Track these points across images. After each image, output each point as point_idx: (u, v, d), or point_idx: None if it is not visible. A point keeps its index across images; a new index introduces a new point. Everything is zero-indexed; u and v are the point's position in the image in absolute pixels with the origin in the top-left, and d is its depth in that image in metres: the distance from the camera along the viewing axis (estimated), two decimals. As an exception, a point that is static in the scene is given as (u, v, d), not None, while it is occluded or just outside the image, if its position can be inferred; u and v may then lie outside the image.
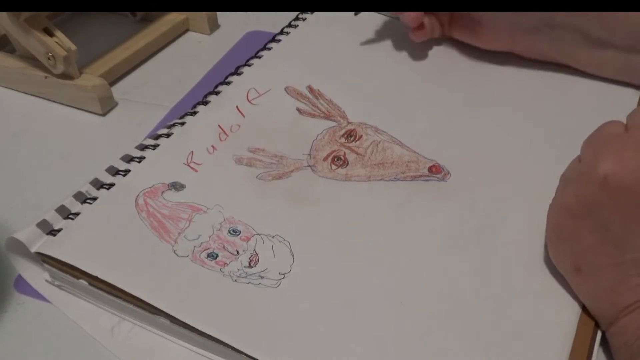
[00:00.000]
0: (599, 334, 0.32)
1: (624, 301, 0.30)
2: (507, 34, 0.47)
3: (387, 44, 0.50)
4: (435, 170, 0.41)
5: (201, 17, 0.57)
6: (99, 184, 0.39)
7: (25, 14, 0.46)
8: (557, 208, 0.33)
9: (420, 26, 0.48)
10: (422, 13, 0.47)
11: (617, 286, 0.30)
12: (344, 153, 0.42)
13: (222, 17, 0.60)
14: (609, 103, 0.46)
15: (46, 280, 0.36)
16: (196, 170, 0.41)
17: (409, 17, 0.47)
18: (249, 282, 0.34)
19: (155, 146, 0.42)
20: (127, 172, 0.40)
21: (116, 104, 0.50)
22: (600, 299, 0.31)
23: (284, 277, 0.34)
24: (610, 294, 0.31)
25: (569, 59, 0.47)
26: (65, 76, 0.49)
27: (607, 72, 0.46)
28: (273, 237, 0.36)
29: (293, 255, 0.35)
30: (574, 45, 0.46)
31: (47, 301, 0.36)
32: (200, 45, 0.57)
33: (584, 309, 0.32)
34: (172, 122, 0.45)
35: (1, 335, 0.34)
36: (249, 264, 0.35)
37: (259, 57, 0.51)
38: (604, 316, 0.31)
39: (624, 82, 0.47)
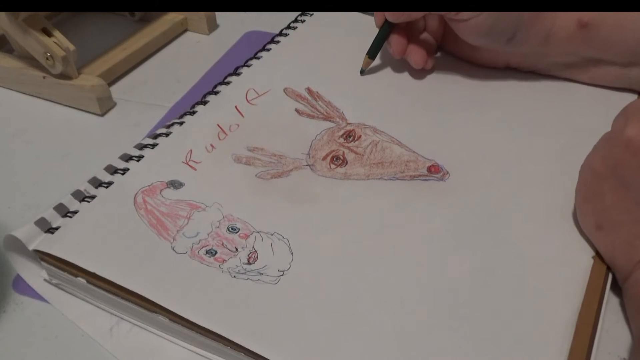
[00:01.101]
0: (598, 332, 0.32)
1: (638, 255, 0.33)
2: (503, 58, 0.48)
3: (386, 46, 0.50)
4: (434, 170, 0.41)
5: (200, 17, 0.57)
6: (97, 183, 0.39)
7: (23, 14, 0.46)
8: (585, 170, 0.36)
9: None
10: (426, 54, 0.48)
11: (634, 240, 0.33)
12: (343, 152, 0.42)
13: (221, 17, 0.60)
14: (607, 104, 0.46)
15: (44, 279, 0.36)
16: (195, 169, 0.41)
17: (417, 61, 0.48)
18: (247, 279, 0.34)
19: (154, 145, 0.42)
20: (125, 170, 0.40)
21: (115, 104, 0.50)
22: (618, 253, 0.34)
23: (283, 274, 0.34)
24: (627, 249, 0.33)
25: (565, 75, 0.48)
26: (63, 76, 0.49)
27: (603, 82, 0.47)
28: (272, 234, 0.36)
29: (292, 253, 0.35)
30: (568, 64, 0.47)
31: (46, 301, 0.36)
32: (199, 45, 0.57)
33: (583, 307, 0.33)
34: (171, 122, 0.45)
35: (0, 335, 0.34)
36: (248, 261, 0.35)
37: (258, 58, 0.51)
38: (621, 270, 0.34)
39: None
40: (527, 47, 0.45)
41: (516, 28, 0.43)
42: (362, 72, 0.50)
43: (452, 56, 0.51)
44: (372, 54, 0.49)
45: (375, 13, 0.48)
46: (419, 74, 0.50)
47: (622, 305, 0.34)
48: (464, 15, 0.42)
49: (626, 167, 0.33)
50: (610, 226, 0.34)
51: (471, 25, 0.43)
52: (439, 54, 0.52)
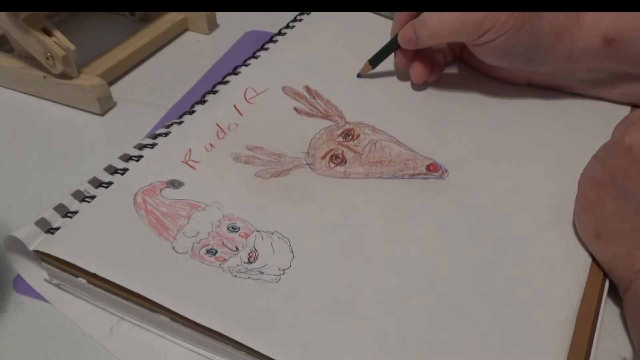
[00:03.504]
0: (597, 330, 0.32)
1: (638, 264, 0.32)
2: (524, 76, 0.47)
3: (384, 44, 0.50)
4: (433, 169, 0.41)
5: (200, 16, 0.57)
6: (97, 183, 0.39)
7: (23, 14, 0.46)
8: (585, 180, 0.36)
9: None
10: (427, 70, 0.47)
11: (634, 250, 0.33)
12: (342, 151, 0.42)
13: (221, 17, 0.60)
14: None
15: (45, 280, 0.36)
16: (194, 168, 0.41)
17: (416, 75, 0.47)
18: (248, 278, 0.34)
19: (153, 145, 0.42)
20: (125, 170, 0.40)
21: (115, 104, 0.50)
22: (618, 263, 0.33)
23: (283, 273, 0.34)
24: (626, 258, 0.33)
25: (590, 92, 0.46)
26: (64, 76, 0.49)
27: (634, 99, 0.45)
28: (272, 233, 0.37)
29: (293, 252, 0.35)
30: (594, 80, 0.45)
31: (46, 301, 0.36)
32: (199, 45, 0.57)
33: (582, 305, 0.33)
34: (170, 122, 0.45)
35: (0, 336, 0.34)
36: (249, 260, 0.35)
37: (257, 57, 0.52)
38: (621, 280, 0.33)
39: None
40: (549, 66, 0.44)
41: (534, 49, 0.42)
42: (359, 76, 0.49)
43: (470, 68, 0.50)
44: (374, 62, 0.48)
45: (394, 20, 0.47)
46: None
47: (622, 316, 0.34)
48: (480, 39, 0.42)
49: (626, 176, 0.32)
50: (609, 236, 0.34)
51: (487, 47, 0.42)
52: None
